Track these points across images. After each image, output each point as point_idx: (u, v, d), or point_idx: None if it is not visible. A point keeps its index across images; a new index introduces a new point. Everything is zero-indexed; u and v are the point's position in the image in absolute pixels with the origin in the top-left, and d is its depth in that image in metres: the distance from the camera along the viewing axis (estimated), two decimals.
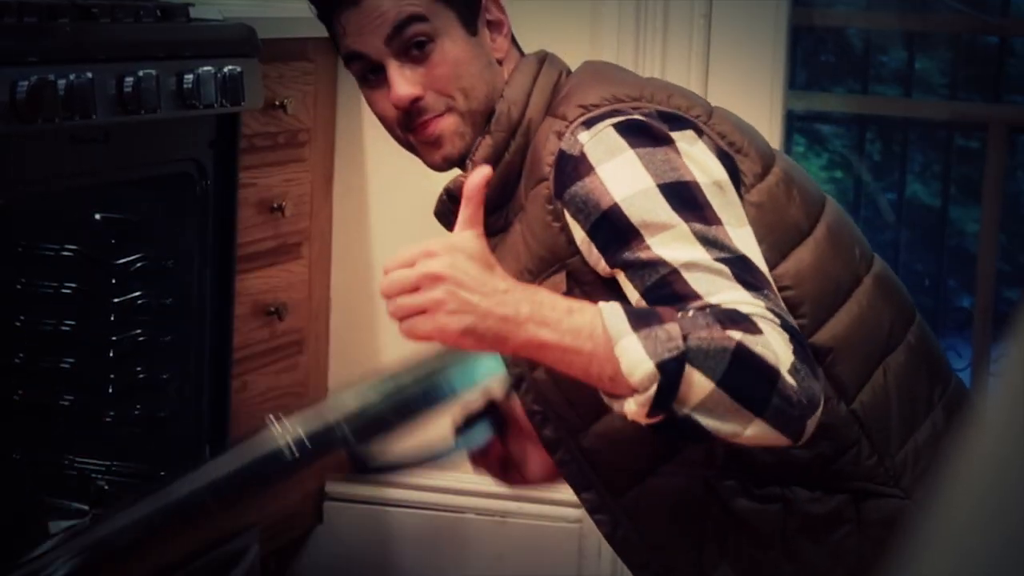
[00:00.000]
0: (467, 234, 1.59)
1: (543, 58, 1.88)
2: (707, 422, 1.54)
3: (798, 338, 1.57)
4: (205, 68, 2.24)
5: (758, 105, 2.85)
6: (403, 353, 3.21)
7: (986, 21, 3.91)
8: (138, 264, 2.43)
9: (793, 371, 1.54)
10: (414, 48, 1.79)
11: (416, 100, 1.79)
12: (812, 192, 1.85)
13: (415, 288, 1.54)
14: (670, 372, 1.51)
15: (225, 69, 2.28)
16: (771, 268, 1.72)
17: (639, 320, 1.53)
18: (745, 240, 1.66)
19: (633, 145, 1.68)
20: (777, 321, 1.56)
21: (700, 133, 1.75)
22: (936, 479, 1.77)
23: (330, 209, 2.98)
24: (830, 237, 1.81)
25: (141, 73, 2.11)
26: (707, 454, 1.74)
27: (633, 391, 1.52)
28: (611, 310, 1.55)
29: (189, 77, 2.21)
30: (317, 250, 2.92)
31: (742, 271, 1.61)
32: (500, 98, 1.82)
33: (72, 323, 2.48)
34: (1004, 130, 3.62)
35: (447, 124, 1.81)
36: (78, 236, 2.46)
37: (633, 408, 1.54)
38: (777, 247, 1.74)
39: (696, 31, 2.84)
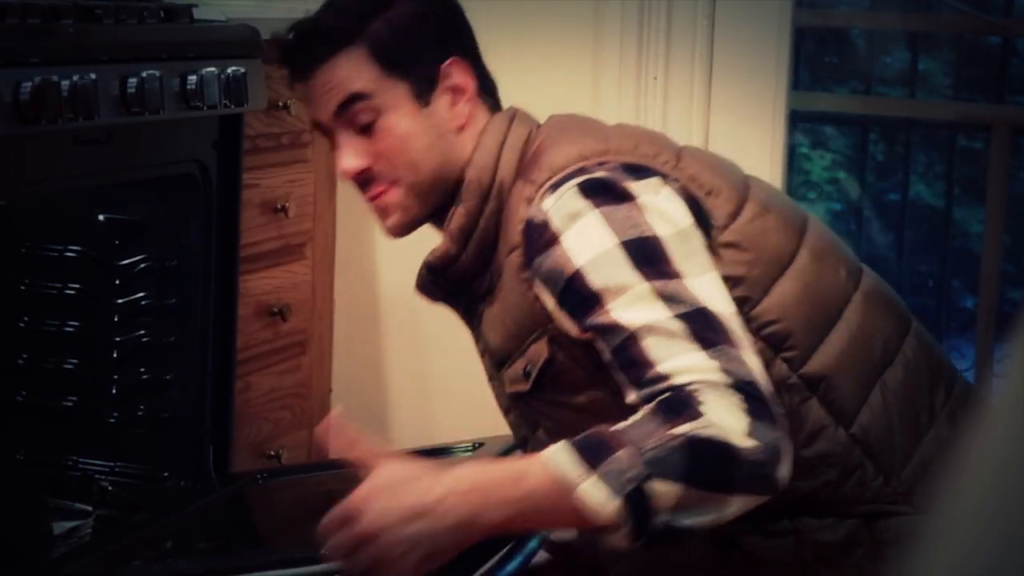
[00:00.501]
0: (379, 470, 1.57)
1: (512, 115, 1.87)
2: (687, 521, 1.53)
3: (752, 391, 1.55)
4: (208, 69, 2.23)
5: (761, 105, 2.85)
6: (405, 354, 3.22)
7: (989, 22, 3.91)
8: (141, 265, 2.43)
9: (750, 433, 1.52)
10: (360, 121, 1.81)
11: (362, 172, 1.81)
12: (791, 218, 1.83)
13: (358, 548, 1.54)
14: (637, 500, 1.50)
15: (228, 70, 2.28)
16: (754, 304, 1.72)
17: (591, 457, 1.51)
18: (707, 288, 1.65)
19: (596, 205, 1.68)
20: (728, 380, 1.55)
21: (667, 179, 1.74)
22: (942, 484, 1.75)
23: (334, 210, 2.98)
24: (813, 262, 1.79)
25: (144, 74, 2.11)
26: None
27: (610, 527, 1.52)
28: (559, 458, 1.52)
29: (192, 78, 2.21)
30: (320, 251, 2.92)
31: (700, 326, 1.59)
32: (470, 163, 1.81)
33: (75, 324, 2.48)
34: (1007, 131, 3.61)
35: (392, 196, 1.83)
36: (81, 237, 2.46)
37: (616, 540, 1.53)
38: (758, 283, 1.73)
39: (699, 32, 2.84)
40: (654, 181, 1.73)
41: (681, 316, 1.60)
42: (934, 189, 4.09)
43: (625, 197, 1.69)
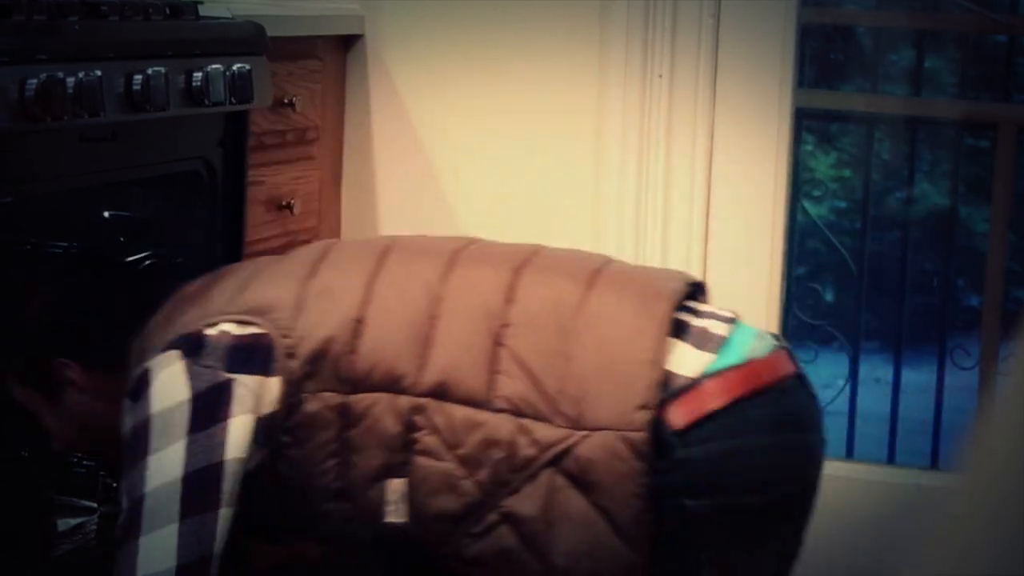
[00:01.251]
0: None
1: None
2: None
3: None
4: (214, 66, 2.24)
5: (766, 103, 2.85)
6: None
7: (996, 20, 3.90)
8: (146, 262, 2.43)
9: None
10: None
11: None
12: (358, 272, 1.86)
13: None
14: None
15: (234, 67, 2.28)
16: (350, 368, 1.77)
17: None
18: (165, 466, 1.76)
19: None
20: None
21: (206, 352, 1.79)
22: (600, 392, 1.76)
23: (339, 207, 2.98)
24: (390, 299, 1.82)
25: (150, 71, 2.11)
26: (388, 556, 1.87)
27: None
28: None
29: (198, 75, 2.21)
30: None
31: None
32: None
33: None
34: (1014, 129, 3.61)
35: None
36: (86, 234, 2.46)
37: None
38: (343, 349, 1.79)
39: (705, 30, 2.84)
40: (176, 354, 1.81)
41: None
42: (940, 188, 4.09)
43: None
